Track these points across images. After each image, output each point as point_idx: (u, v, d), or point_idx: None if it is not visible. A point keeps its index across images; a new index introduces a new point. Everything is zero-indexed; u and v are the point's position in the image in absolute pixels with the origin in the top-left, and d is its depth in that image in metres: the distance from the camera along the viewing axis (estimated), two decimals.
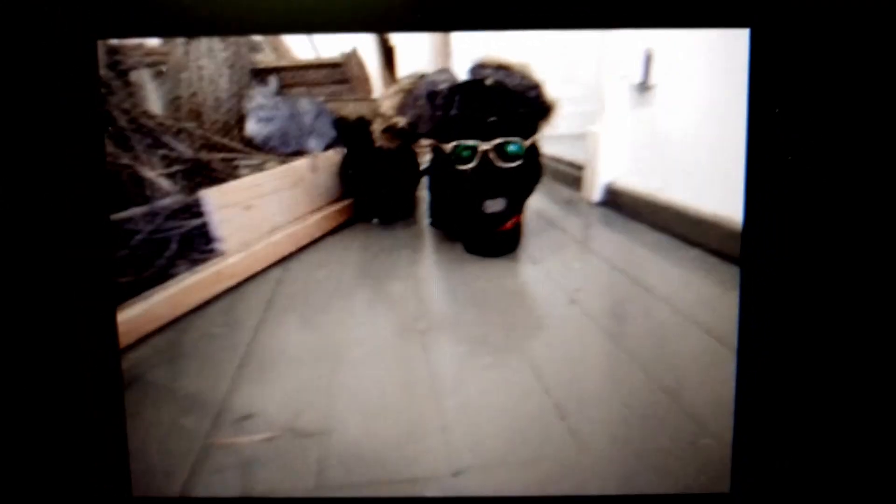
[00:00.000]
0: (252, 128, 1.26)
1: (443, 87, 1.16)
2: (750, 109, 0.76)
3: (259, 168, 1.23)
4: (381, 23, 0.83)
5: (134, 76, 1.26)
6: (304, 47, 1.39)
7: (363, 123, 1.25)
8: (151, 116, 1.14)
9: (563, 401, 0.82)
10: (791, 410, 0.77)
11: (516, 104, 1.11)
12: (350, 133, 1.27)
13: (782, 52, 0.74)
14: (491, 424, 0.81)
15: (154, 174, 1.09)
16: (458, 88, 1.13)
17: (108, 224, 0.83)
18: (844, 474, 0.77)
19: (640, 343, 0.90)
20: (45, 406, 0.79)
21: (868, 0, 0.72)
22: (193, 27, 0.89)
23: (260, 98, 1.29)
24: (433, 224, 1.30)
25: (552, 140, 1.22)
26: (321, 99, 1.33)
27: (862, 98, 0.74)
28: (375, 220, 1.31)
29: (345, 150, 1.29)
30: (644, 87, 1.19)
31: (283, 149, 1.28)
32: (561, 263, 1.12)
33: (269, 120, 1.28)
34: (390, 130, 1.19)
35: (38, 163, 0.78)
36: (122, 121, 1.09)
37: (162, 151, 1.13)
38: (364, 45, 1.33)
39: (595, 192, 1.28)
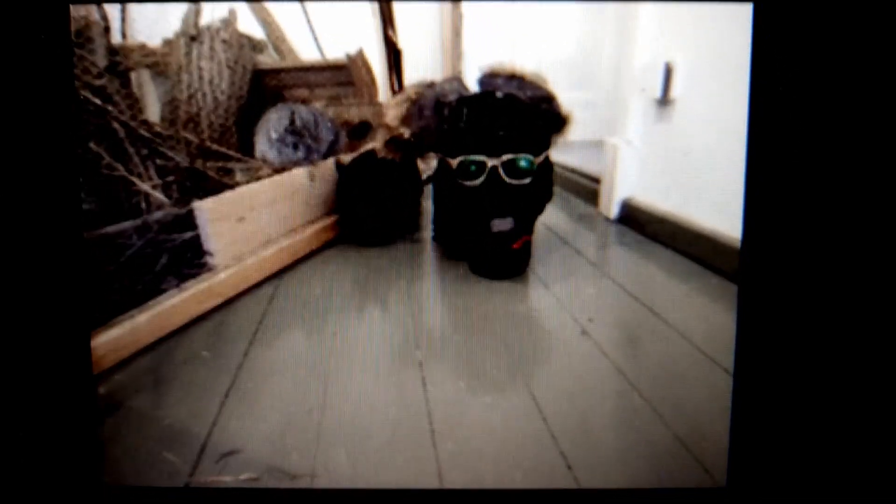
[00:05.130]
0: (263, 151, 1.22)
1: (451, 97, 1.10)
2: (752, 91, 0.71)
3: (254, 174, 1.18)
4: None
5: (133, 77, 1.22)
6: (309, 47, 1.34)
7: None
8: (150, 126, 1.09)
9: (571, 449, 0.76)
10: (787, 406, 0.73)
11: (528, 118, 1.05)
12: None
13: (787, 28, 0.69)
14: (491, 473, 0.75)
15: (149, 185, 1.05)
16: (466, 100, 1.06)
17: (80, 211, 0.77)
18: (840, 470, 0.73)
19: (656, 385, 0.84)
20: (15, 396, 0.75)
21: None
22: None
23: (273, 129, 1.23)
24: (436, 239, 1.24)
25: (567, 148, 1.16)
26: (322, 102, 1.28)
27: (868, 86, 0.69)
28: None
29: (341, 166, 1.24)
30: (664, 101, 1.13)
31: (285, 161, 1.23)
32: (573, 288, 1.06)
33: (280, 146, 1.23)
34: (394, 142, 1.13)
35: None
36: (122, 132, 1.04)
37: (158, 161, 1.08)
38: (370, 47, 1.28)
39: (612, 208, 1.22)
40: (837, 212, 0.70)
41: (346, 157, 1.27)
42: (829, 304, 0.71)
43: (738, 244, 0.93)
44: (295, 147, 1.24)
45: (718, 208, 1.03)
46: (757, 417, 0.73)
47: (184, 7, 1.25)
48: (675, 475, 0.74)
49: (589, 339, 0.92)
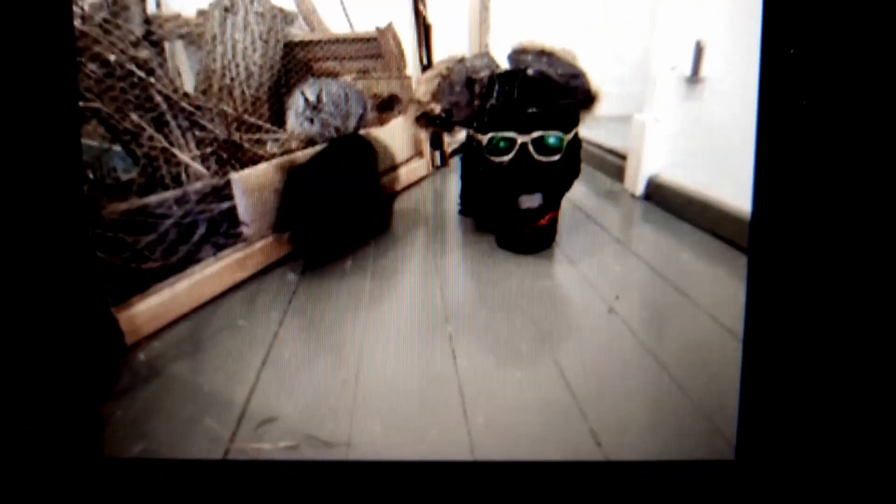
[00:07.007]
0: (295, 126, 1.22)
1: (482, 73, 1.10)
2: (763, 60, 0.73)
3: (284, 146, 1.19)
4: None
5: (167, 47, 1.22)
6: (338, 20, 1.34)
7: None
8: (189, 98, 1.10)
9: (600, 426, 0.78)
10: (796, 381, 0.73)
11: (558, 96, 1.05)
12: None
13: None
14: (522, 448, 0.77)
15: (188, 157, 1.06)
16: (498, 77, 1.06)
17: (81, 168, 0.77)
18: (848, 445, 0.73)
19: (684, 364, 0.84)
20: (16, 368, 0.76)
21: None
22: None
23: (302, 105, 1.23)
24: (462, 212, 1.25)
25: (594, 123, 1.16)
26: (352, 75, 1.29)
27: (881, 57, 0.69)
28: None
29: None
30: (694, 79, 1.12)
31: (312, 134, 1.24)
32: (599, 265, 1.07)
33: (311, 122, 1.24)
34: (425, 117, 1.13)
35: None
36: (163, 105, 1.06)
37: (197, 133, 1.10)
38: (400, 20, 1.27)
39: (638, 185, 1.22)
40: (848, 188, 0.71)
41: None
42: (839, 278, 0.72)
43: None
44: (317, 123, 1.24)
45: (746, 188, 1.03)
46: (766, 391, 0.74)
47: None
48: (707, 452, 0.76)
49: (616, 317, 0.94)
